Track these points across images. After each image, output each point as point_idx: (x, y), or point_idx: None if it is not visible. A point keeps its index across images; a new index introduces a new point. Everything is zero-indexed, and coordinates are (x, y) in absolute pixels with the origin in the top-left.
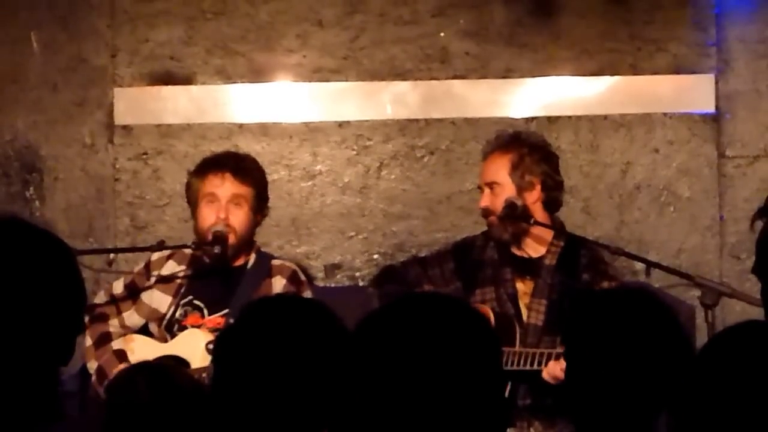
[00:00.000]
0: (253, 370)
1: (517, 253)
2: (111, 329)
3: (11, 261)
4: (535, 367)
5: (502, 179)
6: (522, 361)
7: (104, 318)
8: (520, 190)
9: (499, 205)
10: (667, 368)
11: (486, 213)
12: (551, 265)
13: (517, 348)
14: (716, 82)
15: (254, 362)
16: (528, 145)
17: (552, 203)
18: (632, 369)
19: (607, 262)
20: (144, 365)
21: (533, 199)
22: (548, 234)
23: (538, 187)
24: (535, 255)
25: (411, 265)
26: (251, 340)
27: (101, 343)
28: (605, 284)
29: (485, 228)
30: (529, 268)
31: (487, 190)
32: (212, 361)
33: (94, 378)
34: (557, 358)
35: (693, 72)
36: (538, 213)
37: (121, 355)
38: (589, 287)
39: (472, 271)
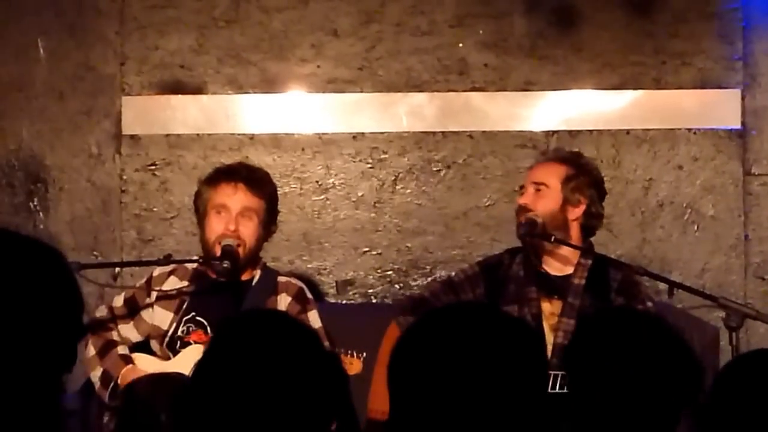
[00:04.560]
0: (225, 389)
1: (546, 270)
2: (114, 338)
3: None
4: (557, 389)
5: (552, 183)
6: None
7: (106, 329)
8: (566, 202)
9: (541, 206)
10: (676, 393)
11: (523, 211)
12: (580, 285)
13: None
14: (742, 98)
15: (227, 381)
16: (585, 167)
17: (589, 229)
18: (637, 394)
19: (640, 284)
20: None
21: (574, 216)
22: (576, 253)
23: (583, 207)
24: (562, 273)
25: (442, 292)
26: (223, 359)
27: (106, 350)
28: (640, 308)
29: (502, 244)
30: (557, 286)
31: (531, 189)
32: (191, 379)
33: (98, 384)
34: None
35: (719, 87)
36: (574, 232)
37: (127, 358)
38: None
39: (498, 288)
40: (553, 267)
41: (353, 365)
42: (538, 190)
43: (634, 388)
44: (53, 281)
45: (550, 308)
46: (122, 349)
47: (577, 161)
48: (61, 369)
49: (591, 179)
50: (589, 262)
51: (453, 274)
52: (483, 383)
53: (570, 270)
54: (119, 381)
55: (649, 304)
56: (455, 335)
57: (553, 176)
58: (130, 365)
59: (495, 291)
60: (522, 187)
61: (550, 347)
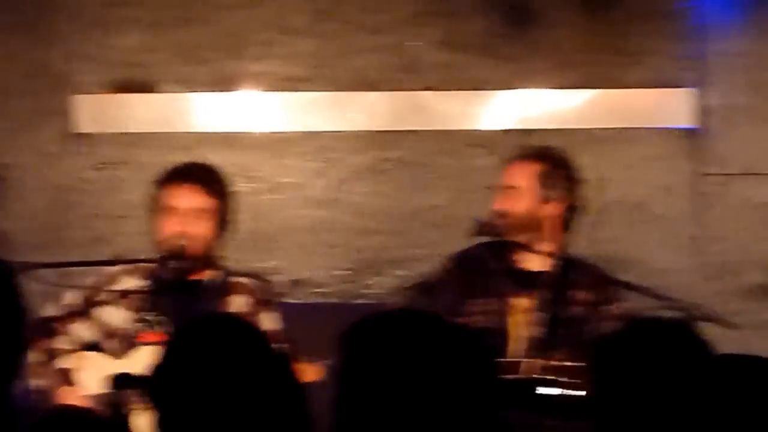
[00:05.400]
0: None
1: (519, 265)
2: (57, 345)
3: None
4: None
5: (525, 185)
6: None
7: (51, 333)
8: (541, 200)
9: (516, 208)
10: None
11: (501, 215)
12: (550, 280)
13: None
14: (696, 97)
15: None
16: (559, 161)
17: (566, 223)
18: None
19: (610, 282)
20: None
21: (550, 213)
22: (551, 249)
23: (558, 204)
24: (536, 269)
25: (419, 298)
26: (179, 362)
27: (46, 360)
28: (610, 305)
29: (454, 243)
30: (530, 281)
31: (505, 193)
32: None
33: (37, 396)
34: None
35: (673, 86)
36: (552, 228)
37: (66, 374)
38: (593, 306)
39: (470, 281)
40: (526, 262)
41: (316, 372)
42: (511, 192)
43: (659, 395)
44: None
45: (524, 303)
46: (62, 362)
47: (550, 156)
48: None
49: (565, 174)
50: (561, 260)
51: (429, 273)
52: (421, 391)
53: (545, 265)
54: (56, 398)
55: (622, 303)
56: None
57: (525, 176)
58: (67, 386)
59: (467, 285)
60: (495, 189)
61: (521, 341)
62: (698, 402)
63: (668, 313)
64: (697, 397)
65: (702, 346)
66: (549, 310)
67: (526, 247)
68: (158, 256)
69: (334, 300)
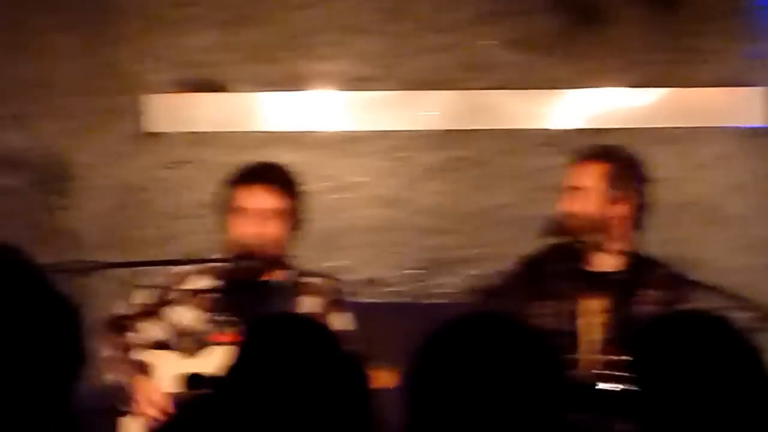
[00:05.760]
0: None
1: (589, 267)
2: (130, 340)
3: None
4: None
5: (593, 185)
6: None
7: (124, 330)
8: (609, 201)
9: (583, 209)
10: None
11: (568, 216)
12: (620, 281)
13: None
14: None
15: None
16: (626, 161)
17: (635, 223)
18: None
19: (681, 281)
20: None
21: (619, 213)
22: (620, 249)
23: (627, 204)
24: (605, 269)
25: (489, 301)
26: (251, 363)
27: (119, 354)
28: (682, 305)
29: (524, 242)
30: (600, 283)
31: (572, 193)
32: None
33: (112, 388)
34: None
35: (744, 84)
36: (621, 229)
37: (141, 365)
38: (665, 306)
39: (539, 284)
40: (596, 264)
41: (392, 378)
42: (578, 192)
43: (702, 392)
44: (43, 307)
45: (595, 305)
46: (137, 354)
47: (617, 155)
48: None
49: (633, 173)
50: (632, 260)
51: (496, 276)
52: (496, 395)
53: (615, 266)
54: (131, 389)
55: (691, 303)
56: (470, 347)
57: (593, 176)
58: (143, 376)
59: (536, 287)
60: (563, 190)
61: (593, 343)
62: (735, 394)
63: (740, 313)
64: (734, 391)
65: (741, 339)
66: (620, 311)
67: (596, 248)
68: (229, 255)
69: (405, 299)
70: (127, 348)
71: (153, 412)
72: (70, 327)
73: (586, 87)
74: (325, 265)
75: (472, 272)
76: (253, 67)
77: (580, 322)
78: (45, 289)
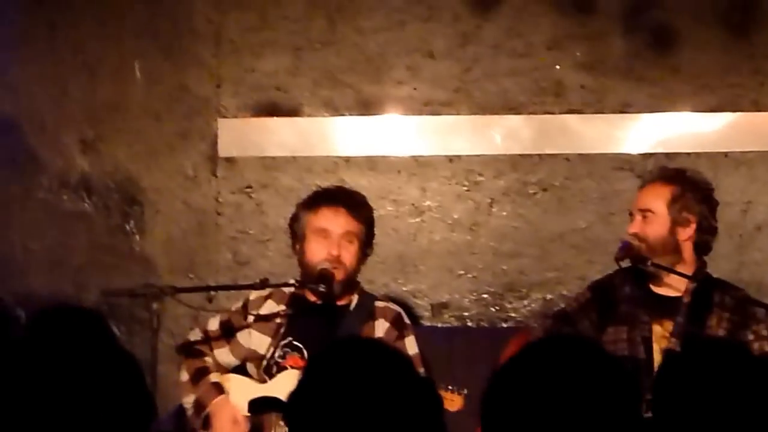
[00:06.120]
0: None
1: (657, 291)
2: (207, 364)
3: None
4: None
5: (658, 209)
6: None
7: (200, 354)
8: (675, 224)
9: (650, 233)
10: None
11: (636, 239)
12: (687, 304)
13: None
14: None
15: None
16: (691, 183)
17: (703, 246)
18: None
19: (753, 304)
20: None
21: (685, 236)
22: (688, 272)
23: (693, 226)
24: (674, 294)
25: (559, 327)
26: (317, 389)
27: (199, 376)
28: (755, 327)
29: (598, 266)
30: (667, 307)
31: (639, 217)
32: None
33: (191, 411)
34: None
35: None
36: (687, 252)
37: (219, 387)
38: (735, 330)
39: (609, 309)
40: (664, 287)
41: (454, 401)
42: (645, 216)
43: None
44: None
45: (661, 330)
46: (215, 377)
47: (683, 178)
48: None
49: (699, 195)
50: (701, 280)
51: (566, 303)
52: (574, 422)
53: (680, 290)
54: (209, 411)
55: (763, 328)
56: (550, 371)
57: (658, 200)
58: (222, 396)
59: (607, 313)
60: (631, 214)
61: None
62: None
63: None
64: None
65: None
66: (685, 336)
67: (665, 270)
68: (305, 280)
69: (478, 324)
70: (204, 371)
71: None
72: (138, 382)
73: (660, 111)
74: (399, 289)
75: (547, 296)
76: (326, 92)
77: (654, 348)
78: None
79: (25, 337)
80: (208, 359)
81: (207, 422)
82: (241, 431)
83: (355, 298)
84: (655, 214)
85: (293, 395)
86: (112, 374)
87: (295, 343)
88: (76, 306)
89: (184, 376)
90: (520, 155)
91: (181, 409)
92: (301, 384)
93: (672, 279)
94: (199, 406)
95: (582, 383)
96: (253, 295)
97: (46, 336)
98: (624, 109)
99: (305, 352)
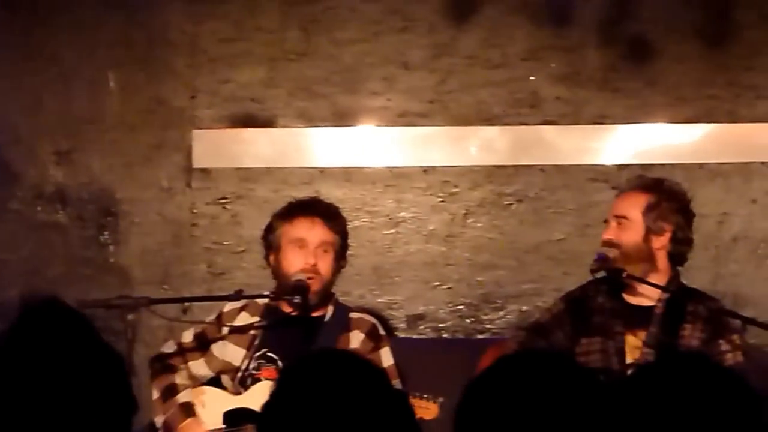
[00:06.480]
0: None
1: (631, 301)
2: (178, 381)
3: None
4: None
5: (633, 216)
6: None
7: (172, 369)
8: (650, 232)
9: (624, 239)
10: None
11: (608, 245)
12: (661, 314)
13: None
14: None
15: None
16: (668, 193)
17: (677, 256)
18: None
19: (726, 315)
20: None
21: (659, 245)
22: (662, 282)
23: (668, 235)
24: (648, 303)
25: (532, 339)
26: (290, 400)
27: (167, 396)
28: (728, 337)
29: (574, 278)
30: (642, 317)
31: (614, 224)
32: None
33: (161, 431)
34: None
35: None
36: (661, 261)
37: (187, 408)
38: (708, 340)
39: (583, 320)
40: (638, 297)
41: (430, 409)
42: (620, 223)
43: None
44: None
45: (634, 341)
46: (184, 396)
47: (660, 188)
48: None
49: (675, 205)
50: (675, 291)
51: (540, 313)
52: None
53: (654, 300)
54: None
55: (736, 337)
56: (523, 384)
57: (633, 207)
58: (190, 419)
59: (580, 324)
60: (606, 221)
61: None
62: None
63: None
64: None
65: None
66: (659, 346)
67: (639, 281)
68: (280, 291)
69: (453, 335)
70: (173, 390)
71: None
72: (119, 375)
73: (636, 122)
74: (374, 300)
75: (523, 308)
76: (301, 103)
77: (628, 359)
78: (92, 339)
79: (10, 330)
80: (178, 375)
81: None
82: None
83: (330, 310)
84: (630, 221)
85: (265, 407)
86: (95, 366)
87: (270, 354)
88: (57, 300)
89: (155, 394)
90: (495, 166)
91: (152, 426)
92: (273, 396)
93: (646, 289)
94: (168, 428)
95: (554, 395)
96: (228, 306)
97: (29, 329)
98: (600, 120)
99: (280, 364)
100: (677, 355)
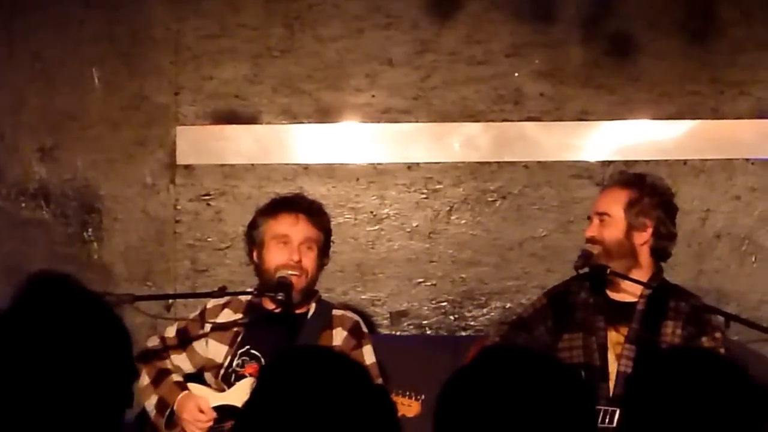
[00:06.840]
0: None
1: (613, 297)
2: (168, 366)
3: (52, 319)
4: (608, 424)
5: (615, 212)
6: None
7: (161, 357)
8: (631, 228)
9: (606, 236)
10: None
11: (591, 242)
12: (642, 310)
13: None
14: None
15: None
16: (650, 188)
17: (660, 251)
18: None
19: (708, 312)
20: None
21: (642, 240)
22: (644, 278)
23: (650, 231)
24: (630, 299)
25: (515, 333)
26: (271, 397)
27: (160, 378)
28: (711, 334)
29: (557, 275)
30: (622, 313)
31: (596, 220)
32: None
33: (154, 413)
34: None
35: None
36: (644, 257)
37: (181, 384)
38: (690, 337)
39: (565, 316)
40: (621, 293)
41: (412, 407)
42: (602, 220)
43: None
44: (99, 327)
45: (616, 336)
46: (176, 377)
47: (641, 183)
48: (118, 409)
49: (657, 200)
50: (657, 287)
51: (522, 309)
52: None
53: (635, 297)
54: (175, 408)
55: (717, 334)
56: (503, 379)
57: (615, 204)
58: (186, 392)
59: (563, 319)
60: (589, 217)
61: (614, 376)
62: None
63: None
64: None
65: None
66: (640, 342)
67: (623, 278)
68: (263, 288)
69: (436, 332)
70: (165, 372)
71: (201, 426)
72: (123, 344)
73: (619, 119)
74: (357, 297)
75: (507, 305)
76: (285, 99)
77: (610, 355)
78: (100, 310)
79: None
80: (168, 362)
81: (171, 421)
82: (209, 419)
83: (312, 307)
84: (612, 218)
85: (246, 404)
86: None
87: (253, 351)
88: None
89: (145, 380)
90: (478, 163)
91: (139, 419)
92: (254, 393)
93: (628, 285)
94: (163, 404)
95: (534, 390)
96: (210, 303)
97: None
98: (583, 116)
99: (263, 361)
100: (677, 352)
